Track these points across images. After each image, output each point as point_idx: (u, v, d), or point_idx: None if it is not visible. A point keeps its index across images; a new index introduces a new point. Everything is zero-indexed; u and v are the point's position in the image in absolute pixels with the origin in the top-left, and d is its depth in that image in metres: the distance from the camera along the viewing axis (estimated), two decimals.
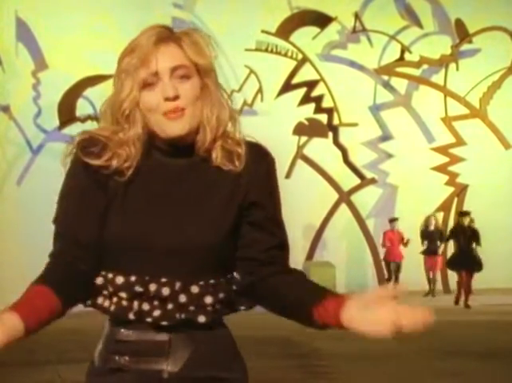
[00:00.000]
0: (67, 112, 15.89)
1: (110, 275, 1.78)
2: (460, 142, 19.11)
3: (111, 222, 1.79)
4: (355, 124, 18.38)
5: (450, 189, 19.08)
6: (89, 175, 1.80)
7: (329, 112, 18.55)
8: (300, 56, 18.55)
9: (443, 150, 19.06)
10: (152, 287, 1.75)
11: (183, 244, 1.77)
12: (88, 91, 15.56)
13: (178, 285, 1.75)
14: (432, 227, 16.85)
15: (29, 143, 15.87)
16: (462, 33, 19.49)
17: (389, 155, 18.81)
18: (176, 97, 1.77)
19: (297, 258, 17.10)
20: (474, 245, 14.88)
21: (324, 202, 18.09)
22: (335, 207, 18.37)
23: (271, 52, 18.39)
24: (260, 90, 18.25)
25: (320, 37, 18.70)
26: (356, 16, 18.91)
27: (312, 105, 18.50)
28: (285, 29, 18.44)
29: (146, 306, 1.76)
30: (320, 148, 18.24)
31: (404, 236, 16.93)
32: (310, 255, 17.85)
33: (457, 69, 19.37)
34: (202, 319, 1.76)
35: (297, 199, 17.23)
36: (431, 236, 16.75)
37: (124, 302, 1.77)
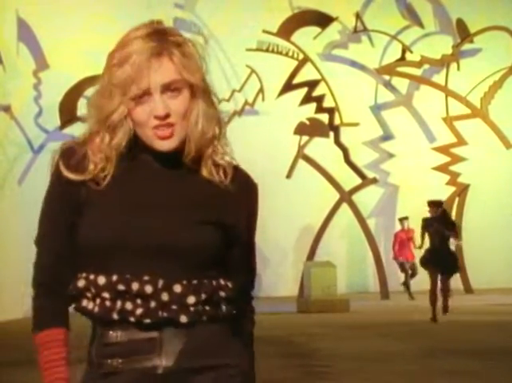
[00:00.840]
0: (68, 111, 15.90)
1: (92, 276, 1.78)
2: (461, 142, 19.11)
3: (88, 224, 1.79)
4: (356, 124, 18.39)
5: (452, 189, 19.08)
6: (63, 189, 1.82)
7: (330, 111, 18.56)
8: (301, 56, 18.56)
9: (444, 150, 19.07)
10: (135, 286, 1.75)
11: (165, 243, 1.76)
12: (90, 91, 15.53)
13: (160, 283, 1.75)
14: None
15: (30, 142, 15.88)
16: (463, 32, 19.50)
17: (390, 155, 18.82)
18: (167, 115, 1.77)
19: (298, 258, 17.10)
20: (450, 241, 12.43)
21: (325, 202, 18.09)
22: (336, 206, 18.37)
23: (272, 52, 18.40)
24: (261, 90, 18.26)
25: (322, 37, 18.71)
26: (357, 16, 18.92)
27: (313, 105, 18.50)
28: (287, 29, 18.45)
29: (129, 305, 1.75)
30: (322, 148, 18.24)
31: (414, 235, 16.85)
32: (311, 255, 17.84)
33: (458, 68, 19.38)
34: (183, 319, 1.76)
35: (297, 198, 17.24)
36: None
37: (107, 302, 1.76)
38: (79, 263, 1.81)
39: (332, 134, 18.53)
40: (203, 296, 1.78)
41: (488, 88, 19.30)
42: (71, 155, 1.84)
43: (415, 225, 17.14)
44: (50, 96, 15.86)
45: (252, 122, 17.44)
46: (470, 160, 18.97)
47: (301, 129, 18.30)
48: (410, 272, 17.02)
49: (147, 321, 1.75)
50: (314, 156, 18.26)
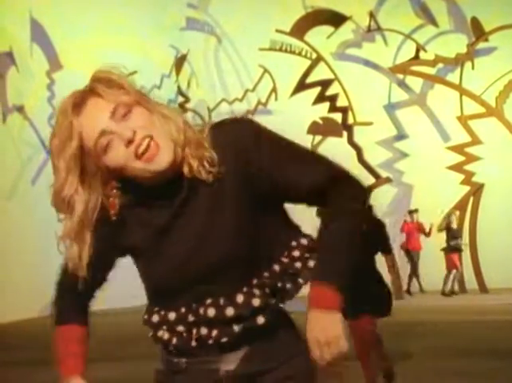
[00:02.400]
0: None
1: (162, 312, 1.86)
2: (476, 141, 19.01)
3: (148, 272, 1.86)
4: (369, 123, 18.34)
5: (466, 188, 18.99)
6: (104, 231, 1.85)
7: (344, 111, 18.52)
8: (314, 55, 18.53)
9: (458, 149, 18.98)
10: (201, 311, 1.80)
11: (216, 264, 1.78)
12: None
13: (222, 300, 1.79)
14: (454, 225, 16.85)
15: (43, 143, 15.91)
16: (477, 31, 19.40)
17: (404, 155, 18.76)
18: (135, 133, 1.70)
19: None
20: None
21: None
22: None
23: (285, 51, 18.38)
24: (274, 89, 18.25)
25: (335, 36, 18.67)
26: (371, 15, 18.87)
27: (326, 104, 18.47)
28: (300, 29, 18.42)
29: (204, 330, 1.81)
30: (335, 148, 18.15)
31: (426, 227, 17.02)
32: None
33: (473, 67, 19.28)
34: (260, 321, 1.80)
35: None
36: (452, 233, 16.75)
37: (184, 334, 1.83)
38: (149, 297, 1.91)
39: (345, 133, 18.49)
40: (267, 291, 1.80)
41: (503, 87, 19.18)
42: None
43: (430, 223, 17.12)
44: (63, 97, 15.89)
45: (265, 122, 17.19)
46: (485, 159, 18.87)
47: (314, 129, 18.27)
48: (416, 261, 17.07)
49: (225, 339, 1.80)
50: (328, 156, 18.20)
